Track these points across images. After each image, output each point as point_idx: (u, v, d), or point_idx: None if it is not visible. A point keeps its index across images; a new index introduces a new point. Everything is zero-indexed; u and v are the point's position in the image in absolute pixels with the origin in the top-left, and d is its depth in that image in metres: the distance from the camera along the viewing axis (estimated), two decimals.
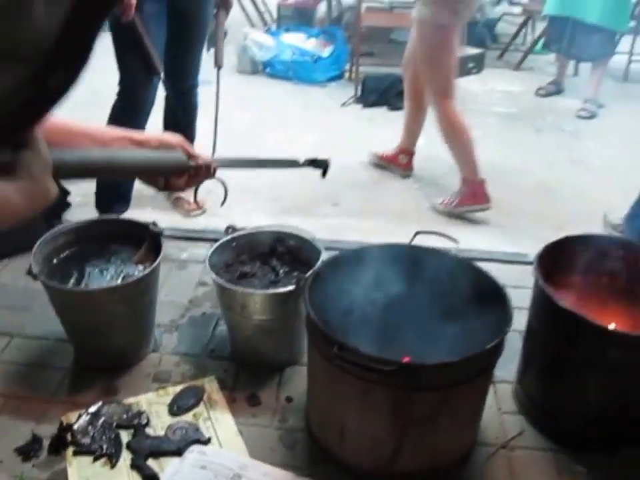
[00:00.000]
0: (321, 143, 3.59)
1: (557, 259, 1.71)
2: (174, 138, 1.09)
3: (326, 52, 4.71)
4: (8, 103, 0.64)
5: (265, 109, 4.28)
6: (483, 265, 2.36)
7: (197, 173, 1.12)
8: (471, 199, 2.97)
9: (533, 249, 2.54)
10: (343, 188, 3.04)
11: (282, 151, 3.34)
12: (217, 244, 1.83)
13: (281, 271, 1.82)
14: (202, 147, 2.77)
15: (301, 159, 1.37)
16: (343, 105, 4.37)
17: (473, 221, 2.95)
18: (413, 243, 1.72)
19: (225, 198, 1.43)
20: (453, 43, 2.85)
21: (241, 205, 2.73)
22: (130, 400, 1.70)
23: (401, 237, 2.50)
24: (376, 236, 2.57)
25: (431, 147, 3.54)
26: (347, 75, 4.87)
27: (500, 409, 1.73)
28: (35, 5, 0.54)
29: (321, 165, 1.40)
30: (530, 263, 1.96)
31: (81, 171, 0.87)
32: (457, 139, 2.94)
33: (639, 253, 1.74)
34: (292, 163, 1.36)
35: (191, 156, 1.09)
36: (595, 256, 1.73)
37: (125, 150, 0.99)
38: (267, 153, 3.34)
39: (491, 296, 1.50)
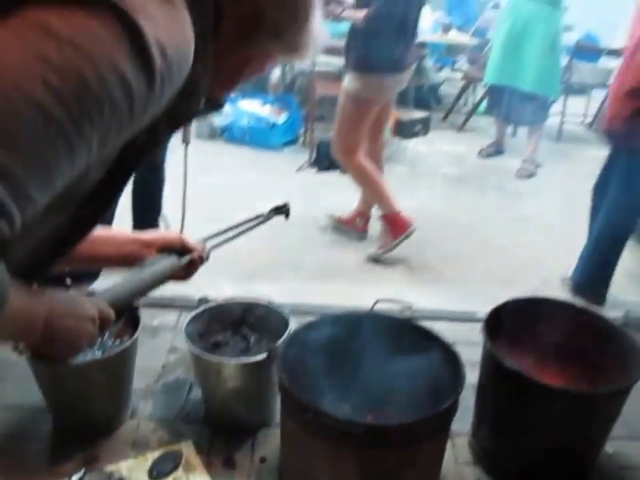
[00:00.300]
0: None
1: (503, 320, 1.89)
2: (173, 235, 1.25)
3: (281, 118, 4.94)
4: (51, 235, 0.80)
5: (223, 174, 4.45)
6: (437, 324, 2.56)
7: (194, 263, 1.28)
8: (398, 231, 3.27)
9: (482, 306, 2.76)
10: (302, 252, 3.21)
11: (239, 218, 3.50)
12: (191, 315, 1.96)
13: (252, 339, 1.97)
14: (170, 217, 2.91)
15: (265, 211, 1.56)
16: (299, 169, 4.58)
17: (425, 279, 3.15)
18: (375, 308, 1.89)
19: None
20: (372, 114, 3.13)
21: (206, 271, 2.85)
22: (110, 467, 1.78)
23: (361, 298, 2.69)
24: (337, 298, 2.74)
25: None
26: (301, 139, 5.10)
27: (457, 459, 1.88)
28: (92, 172, 0.72)
29: (283, 210, 1.59)
30: (479, 320, 2.15)
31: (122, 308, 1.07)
32: (368, 183, 3.26)
33: (577, 313, 1.95)
34: (260, 219, 1.53)
35: (188, 249, 1.26)
36: (537, 317, 1.93)
37: (141, 276, 1.16)
38: (226, 219, 3.51)
39: (445, 358, 1.67)
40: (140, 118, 0.69)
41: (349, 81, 3.07)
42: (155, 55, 0.66)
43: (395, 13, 2.91)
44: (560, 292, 3.03)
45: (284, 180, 4.38)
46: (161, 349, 2.34)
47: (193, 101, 0.82)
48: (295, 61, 1.00)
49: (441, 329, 2.53)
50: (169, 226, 2.96)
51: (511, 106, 4.83)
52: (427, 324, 2.52)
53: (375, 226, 3.54)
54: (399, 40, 3.00)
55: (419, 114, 5.64)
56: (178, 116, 0.81)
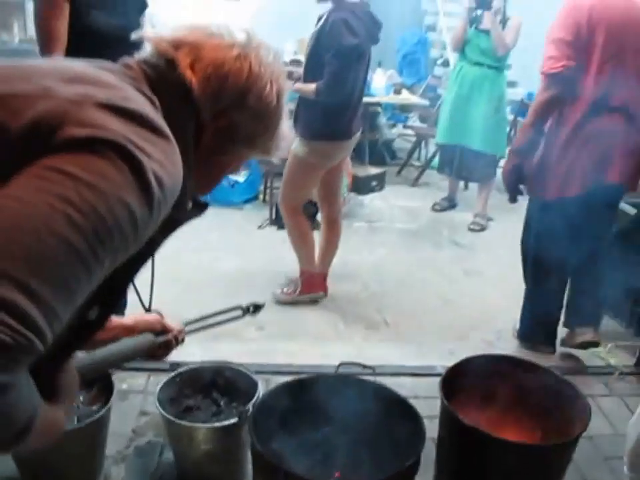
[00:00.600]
0: (240, 268, 3.86)
1: (460, 377, 2.02)
2: (153, 318, 1.36)
3: (242, 176, 5.08)
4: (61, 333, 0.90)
5: (185, 234, 4.51)
6: (397, 380, 2.69)
7: (170, 344, 1.38)
8: (308, 288, 3.48)
9: (440, 360, 2.90)
10: (265, 312, 3.29)
11: (203, 277, 3.61)
12: (164, 381, 2.04)
13: (222, 403, 2.05)
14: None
15: (243, 304, 1.68)
16: (260, 227, 4.70)
17: (385, 334, 3.27)
18: (340, 370, 2.00)
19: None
20: (317, 178, 3.33)
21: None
22: None
23: (324, 355, 2.81)
24: (301, 357, 2.84)
25: (345, 267, 3.91)
26: (261, 196, 5.23)
27: None
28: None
29: (260, 308, 1.71)
30: (438, 375, 2.27)
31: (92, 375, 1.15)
32: (301, 241, 3.46)
33: (526, 368, 2.10)
34: (238, 312, 1.64)
35: (167, 330, 1.36)
36: (491, 373, 2.07)
37: (118, 347, 1.27)
38: (189, 279, 3.60)
39: (408, 416, 1.79)
40: (142, 238, 0.83)
41: (296, 146, 3.22)
42: (154, 186, 0.80)
43: (344, 86, 3.07)
44: (512, 343, 3.19)
45: (246, 237, 4.50)
46: (131, 412, 2.39)
47: (182, 209, 0.96)
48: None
49: (402, 383, 2.67)
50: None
51: (461, 164, 5.09)
52: (389, 379, 2.65)
53: (334, 283, 3.66)
54: (346, 110, 3.18)
55: (374, 170, 5.84)
56: (171, 223, 0.93)
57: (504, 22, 4.72)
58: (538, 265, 3.07)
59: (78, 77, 0.87)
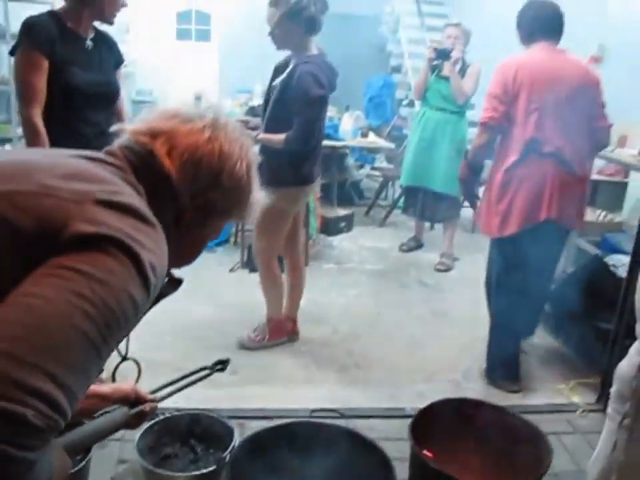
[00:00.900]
0: (213, 312, 3.92)
1: (427, 421, 2.12)
2: (127, 388, 1.47)
3: None
4: None
5: None
6: (368, 422, 2.76)
7: (144, 414, 1.47)
8: (275, 336, 3.59)
9: (409, 402, 2.98)
10: (239, 356, 3.37)
11: (177, 323, 3.65)
12: (142, 429, 2.09)
13: (199, 449, 2.11)
14: None
15: (208, 364, 1.77)
16: (231, 270, 4.78)
17: (355, 377, 3.35)
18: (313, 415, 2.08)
19: (139, 377, 1.74)
20: (287, 223, 3.43)
21: (148, 379, 2.97)
22: None
23: (297, 399, 2.87)
24: (274, 401, 2.91)
25: (316, 309, 4.00)
26: (232, 239, 5.31)
27: None
28: None
29: (226, 364, 1.79)
30: (408, 416, 2.36)
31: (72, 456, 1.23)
32: (272, 287, 3.56)
33: (490, 410, 2.20)
34: (205, 372, 1.74)
35: (140, 400, 1.45)
36: (458, 416, 2.17)
37: (94, 427, 1.36)
38: (162, 325, 3.64)
39: (378, 461, 1.87)
40: (140, 317, 0.97)
41: (265, 194, 3.32)
42: (150, 274, 0.95)
43: (313, 134, 3.21)
44: (479, 383, 3.29)
45: (218, 281, 4.56)
46: (109, 460, 2.42)
47: (164, 285, 1.10)
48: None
49: (373, 426, 2.75)
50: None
51: (425, 205, 5.25)
52: (360, 422, 2.74)
53: (304, 325, 3.75)
54: (310, 156, 3.32)
55: (343, 211, 5.98)
56: (155, 298, 1.05)
57: (464, 70, 4.93)
58: (495, 303, 3.25)
59: (74, 174, 1.00)
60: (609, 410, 1.91)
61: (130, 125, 1.17)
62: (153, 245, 0.98)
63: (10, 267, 0.88)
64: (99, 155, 1.12)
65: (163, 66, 9.78)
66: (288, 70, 3.19)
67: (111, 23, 2.70)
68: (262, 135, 3.22)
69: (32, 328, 0.82)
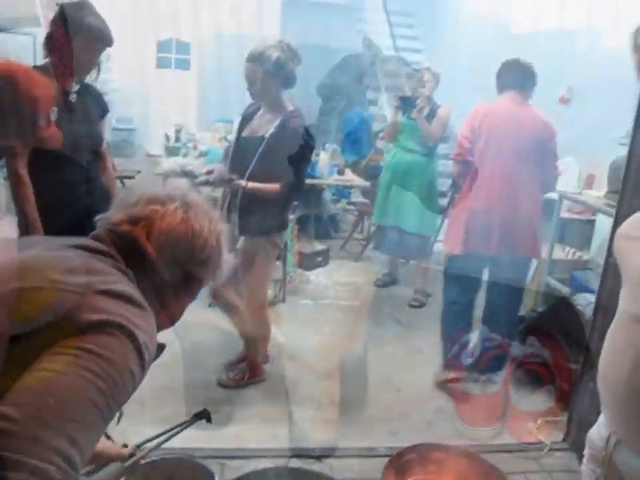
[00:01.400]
0: (193, 348, 3.94)
1: (400, 468, 2.21)
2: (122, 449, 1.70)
3: None
4: None
5: None
6: (344, 462, 2.85)
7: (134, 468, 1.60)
8: (256, 375, 3.73)
9: (384, 440, 3.07)
10: (216, 394, 3.44)
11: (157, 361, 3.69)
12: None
13: None
14: None
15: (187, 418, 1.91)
16: (210, 305, 4.82)
17: (331, 416, 3.44)
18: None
19: (120, 418, 1.81)
20: (274, 265, 3.55)
21: (128, 417, 3.02)
22: None
23: (275, 438, 2.95)
24: (252, 440, 2.98)
25: (292, 346, 4.09)
26: None
27: None
28: None
29: (204, 415, 1.89)
30: (384, 456, 2.46)
31: None
32: (260, 330, 3.65)
33: (462, 455, 2.31)
34: (185, 425, 1.83)
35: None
36: (430, 461, 2.28)
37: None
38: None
39: None
40: (137, 387, 1.13)
41: (248, 245, 3.40)
42: (145, 352, 1.13)
43: (304, 183, 3.39)
44: (450, 423, 3.39)
45: (197, 315, 4.59)
46: None
47: (152, 357, 1.24)
48: None
49: (349, 465, 2.84)
50: None
51: (397, 244, 5.33)
52: (336, 462, 2.83)
53: (282, 364, 3.83)
54: (290, 202, 3.48)
55: (319, 246, 6.08)
56: None
57: (434, 111, 4.97)
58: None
59: (76, 268, 1.15)
60: (584, 467, 1.90)
61: (112, 214, 1.36)
62: (146, 326, 1.16)
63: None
64: (91, 242, 1.29)
65: (143, 94, 9.88)
66: (276, 124, 3.28)
67: (82, 78, 2.84)
68: (252, 185, 3.24)
69: (53, 398, 0.98)
